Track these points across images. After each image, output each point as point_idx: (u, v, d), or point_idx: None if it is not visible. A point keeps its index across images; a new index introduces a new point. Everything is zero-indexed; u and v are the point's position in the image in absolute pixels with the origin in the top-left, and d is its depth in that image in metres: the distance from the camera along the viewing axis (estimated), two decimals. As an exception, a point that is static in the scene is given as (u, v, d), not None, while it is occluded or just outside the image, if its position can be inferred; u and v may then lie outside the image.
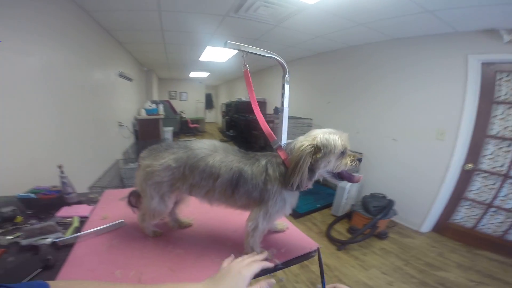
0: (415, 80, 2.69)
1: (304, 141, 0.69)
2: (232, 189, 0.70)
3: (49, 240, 0.73)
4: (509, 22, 1.91)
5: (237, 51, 0.99)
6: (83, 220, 0.91)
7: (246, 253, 0.72)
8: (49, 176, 1.41)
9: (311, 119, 4.06)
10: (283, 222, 0.91)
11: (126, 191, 1.07)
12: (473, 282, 1.93)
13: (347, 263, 2.18)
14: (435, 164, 2.56)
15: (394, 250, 2.37)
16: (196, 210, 0.96)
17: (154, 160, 0.72)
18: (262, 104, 5.67)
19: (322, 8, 2.12)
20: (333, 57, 3.69)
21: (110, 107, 3.26)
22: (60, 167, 1.07)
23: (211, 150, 0.72)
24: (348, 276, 2.02)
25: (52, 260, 0.65)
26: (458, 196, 2.51)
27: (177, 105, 8.99)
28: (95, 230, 0.81)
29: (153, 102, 5.93)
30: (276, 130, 1.23)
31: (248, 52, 1.01)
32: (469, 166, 2.37)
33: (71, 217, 0.92)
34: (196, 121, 9.09)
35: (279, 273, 1.99)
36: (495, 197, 2.29)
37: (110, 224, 0.84)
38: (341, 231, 2.71)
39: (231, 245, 0.78)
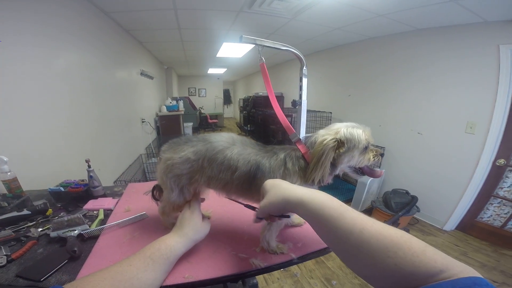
0: (440, 70, 2.55)
1: (327, 135, 0.67)
2: (250, 182, 0.69)
3: (76, 232, 0.76)
4: None
5: (253, 45, 0.99)
6: (108, 212, 0.95)
7: (261, 247, 0.72)
8: (78, 170, 1.51)
9: (330, 112, 3.98)
10: (299, 216, 0.90)
11: (148, 184, 1.11)
12: (496, 283, 1.84)
13: (365, 259, 2.14)
14: (464, 159, 2.42)
15: None
16: (215, 204, 0.97)
17: (174, 153, 0.73)
18: (280, 98, 5.65)
19: (337, 0, 2.05)
20: (353, 50, 3.57)
21: (133, 104, 3.39)
22: (87, 161, 1.13)
23: (229, 143, 0.72)
24: None
25: (78, 251, 0.68)
26: (487, 193, 2.37)
27: (196, 101, 9.19)
28: (119, 222, 0.84)
29: (173, 98, 6.09)
30: (295, 123, 1.22)
31: (264, 45, 1.00)
32: (501, 161, 2.21)
33: (97, 210, 0.97)
34: (215, 116, 9.26)
35: (294, 268, 2.02)
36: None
37: (133, 216, 0.87)
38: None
39: (248, 239, 0.78)
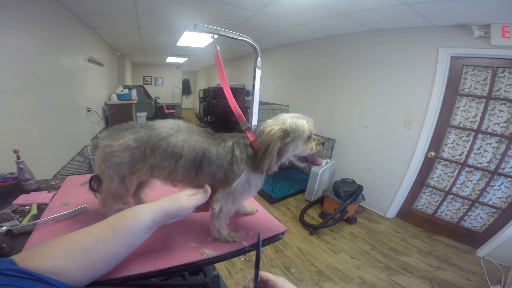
0: (386, 69, 2.79)
1: (274, 125, 0.69)
2: (196, 170, 0.68)
3: (3, 228, 0.69)
4: (480, 18, 2.00)
5: (217, 36, 0.96)
6: (42, 207, 0.87)
7: (213, 236, 0.72)
8: (6, 163, 1.32)
9: (288, 106, 4.12)
10: (252, 205, 0.92)
11: (89, 176, 1.03)
12: (432, 267, 2.08)
13: (318, 248, 2.28)
14: (402, 152, 2.70)
15: (361, 235, 2.52)
16: (163, 194, 0.93)
17: (113, 140, 0.68)
18: (241, 90, 5.65)
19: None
20: (312, 46, 3.71)
21: (78, 92, 3.11)
22: (16, 152, 0.99)
23: (174, 129, 0.70)
24: (319, 260, 2.11)
25: (6, 248, 0.62)
26: (420, 182, 2.68)
27: (153, 90, 8.67)
28: (55, 216, 0.77)
29: (126, 87, 5.70)
30: (249, 113, 1.23)
31: (219, 34, 0.98)
32: (432, 153, 2.53)
33: (29, 205, 0.87)
34: (172, 106, 8.85)
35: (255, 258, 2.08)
36: (453, 185, 2.47)
37: (71, 210, 0.80)
38: (313, 216, 2.82)
39: (198, 228, 0.77)
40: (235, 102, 0.82)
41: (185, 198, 0.62)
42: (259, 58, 1.13)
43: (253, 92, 1.16)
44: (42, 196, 0.93)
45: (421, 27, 2.44)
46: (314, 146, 0.74)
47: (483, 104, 2.24)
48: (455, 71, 2.35)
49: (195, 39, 4.31)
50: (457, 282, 1.92)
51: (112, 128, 0.73)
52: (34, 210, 0.83)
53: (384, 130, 2.87)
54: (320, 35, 3.40)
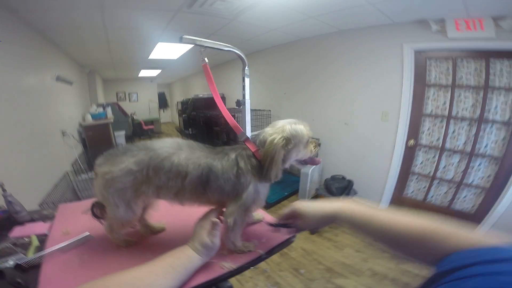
0: (357, 67, 2.94)
1: (274, 134, 0.70)
2: (203, 186, 0.68)
3: (11, 263, 0.65)
4: (436, 13, 2.17)
5: (191, 46, 0.97)
6: (42, 238, 0.83)
7: (228, 249, 0.72)
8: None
9: (270, 110, 4.17)
10: (258, 213, 0.93)
11: (85, 203, 0.99)
12: None
13: (322, 245, 2.30)
14: (384, 143, 2.82)
15: None
16: (167, 213, 0.92)
17: (112, 165, 0.66)
18: (221, 100, 5.60)
19: (276, 2, 2.16)
20: (287, 50, 3.80)
21: (50, 114, 2.93)
22: (1, 185, 0.94)
23: (175, 148, 0.69)
24: (326, 258, 2.12)
25: (23, 283, 0.59)
26: (406, 171, 2.80)
27: (128, 106, 8.42)
28: (61, 247, 0.73)
29: (100, 105, 5.47)
30: (240, 123, 1.24)
31: (206, 46, 0.99)
32: (411, 142, 2.68)
33: (28, 236, 0.83)
34: (151, 122, 8.59)
35: (263, 265, 2.04)
36: (436, 169, 2.60)
37: (75, 239, 0.76)
38: (311, 215, 2.84)
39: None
40: (228, 112, 0.83)
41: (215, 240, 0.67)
42: (246, 68, 1.15)
43: (244, 102, 1.18)
44: (39, 227, 0.89)
45: (385, 25, 2.59)
46: (313, 148, 0.76)
47: (449, 93, 2.41)
48: (420, 64, 2.52)
49: (169, 51, 4.24)
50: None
51: (108, 153, 0.70)
52: (36, 242, 0.79)
53: (363, 125, 2.99)
54: (294, 38, 3.51)
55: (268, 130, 0.73)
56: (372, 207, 0.56)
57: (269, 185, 0.77)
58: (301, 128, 0.72)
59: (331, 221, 0.62)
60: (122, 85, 8.85)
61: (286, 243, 0.78)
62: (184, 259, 0.60)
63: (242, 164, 0.69)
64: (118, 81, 8.60)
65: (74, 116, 4.16)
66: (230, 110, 4.39)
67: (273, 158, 0.67)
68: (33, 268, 0.67)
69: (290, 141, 0.70)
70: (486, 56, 2.16)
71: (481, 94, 2.23)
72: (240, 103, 1.22)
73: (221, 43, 1.05)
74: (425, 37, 2.37)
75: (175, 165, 0.66)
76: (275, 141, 0.68)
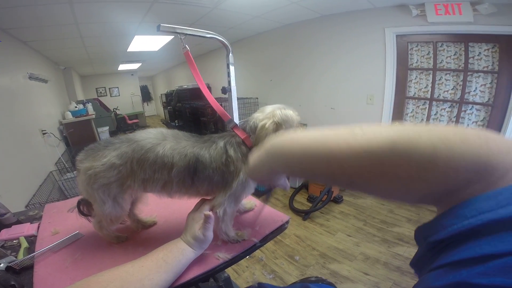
0: (342, 52, 2.94)
1: (265, 119, 0.68)
2: (191, 177, 0.66)
3: (1, 265, 0.64)
4: None
5: (171, 37, 0.93)
6: (31, 239, 0.81)
7: (222, 239, 0.71)
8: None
9: (257, 98, 4.15)
10: (250, 201, 0.93)
11: (71, 201, 0.96)
12: None
13: (314, 231, 2.33)
14: (369, 126, 2.88)
15: (351, 212, 2.60)
16: (157, 207, 0.91)
17: (94, 160, 0.63)
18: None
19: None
20: (271, 37, 3.75)
21: (26, 114, 2.80)
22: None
23: (159, 138, 0.66)
24: (319, 244, 2.15)
25: (17, 286, 0.58)
26: (393, 153, 2.88)
27: (110, 101, 8.12)
28: (51, 246, 0.71)
29: (79, 102, 5.27)
30: (227, 110, 1.22)
31: (186, 34, 0.95)
32: (396, 124, 2.73)
33: (16, 238, 0.81)
34: (135, 116, 8.41)
35: (258, 253, 2.05)
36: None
37: (65, 238, 0.74)
38: (302, 201, 2.88)
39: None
40: (215, 100, 0.81)
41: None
42: (230, 54, 1.12)
43: (230, 89, 1.15)
44: (27, 228, 0.86)
45: (367, 10, 2.60)
46: None
47: (431, 76, 2.47)
48: (402, 48, 2.55)
49: (148, 43, 4.06)
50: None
51: (88, 148, 0.67)
52: (25, 243, 0.77)
53: (350, 108, 3.03)
54: (277, 25, 3.45)
55: (258, 115, 0.71)
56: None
57: None
58: (291, 112, 0.71)
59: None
60: (102, 80, 8.50)
61: (280, 229, 0.78)
62: (176, 252, 0.60)
63: (231, 152, 0.67)
64: (97, 77, 8.25)
65: (53, 114, 4.00)
66: (216, 99, 4.39)
67: None
68: (25, 269, 0.66)
69: (281, 126, 0.68)
70: (465, 39, 2.21)
71: (461, 77, 2.29)
72: (226, 90, 1.19)
73: (203, 30, 1.01)
74: (406, 21, 2.38)
75: (160, 156, 0.64)
76: (267, 126, 0.66)
